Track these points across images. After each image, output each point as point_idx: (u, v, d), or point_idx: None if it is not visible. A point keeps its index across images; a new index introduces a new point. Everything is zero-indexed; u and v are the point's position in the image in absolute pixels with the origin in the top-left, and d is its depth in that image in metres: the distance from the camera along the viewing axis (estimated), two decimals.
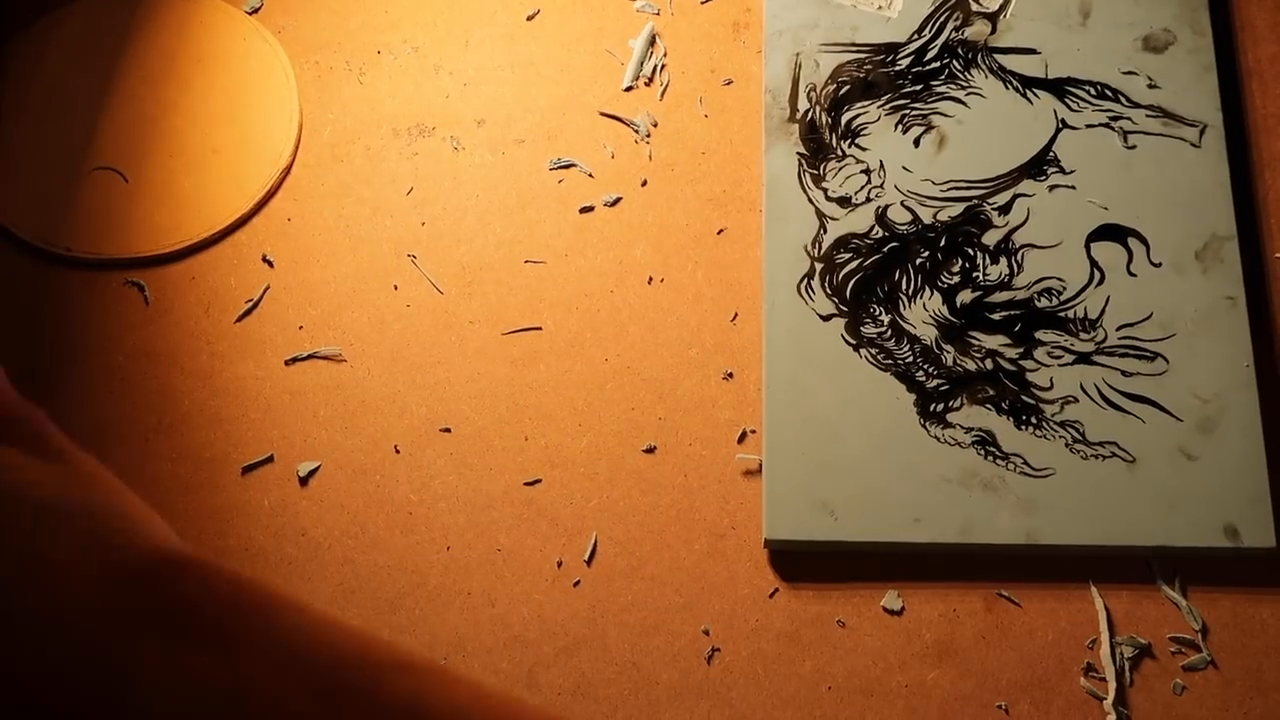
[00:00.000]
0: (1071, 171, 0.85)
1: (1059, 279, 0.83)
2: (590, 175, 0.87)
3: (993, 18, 0.89)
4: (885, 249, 0.83)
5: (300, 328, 0.83)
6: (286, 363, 0.82)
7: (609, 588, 0.77)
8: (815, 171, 0.85)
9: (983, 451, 0.78)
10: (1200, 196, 0.84)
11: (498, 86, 0.90)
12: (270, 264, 0.85)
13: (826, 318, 0.81)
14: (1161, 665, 0.75)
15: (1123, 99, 0.87)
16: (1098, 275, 0.83)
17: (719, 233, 0.85)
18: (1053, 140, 0.86)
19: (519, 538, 0.78)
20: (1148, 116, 0.87)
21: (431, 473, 0.80)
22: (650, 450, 0.80)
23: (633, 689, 0.75)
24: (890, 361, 0.80)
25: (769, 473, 0.78)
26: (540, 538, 0.78)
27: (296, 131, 0.88)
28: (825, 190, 0.84)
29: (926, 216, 0.84)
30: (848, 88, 0.87)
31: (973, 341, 0.81)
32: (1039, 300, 0.82)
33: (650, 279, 0.84)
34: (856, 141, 0.85)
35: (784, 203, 0.84)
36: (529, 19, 0.92)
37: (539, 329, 0.83)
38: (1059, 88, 0.88)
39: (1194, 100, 0.87)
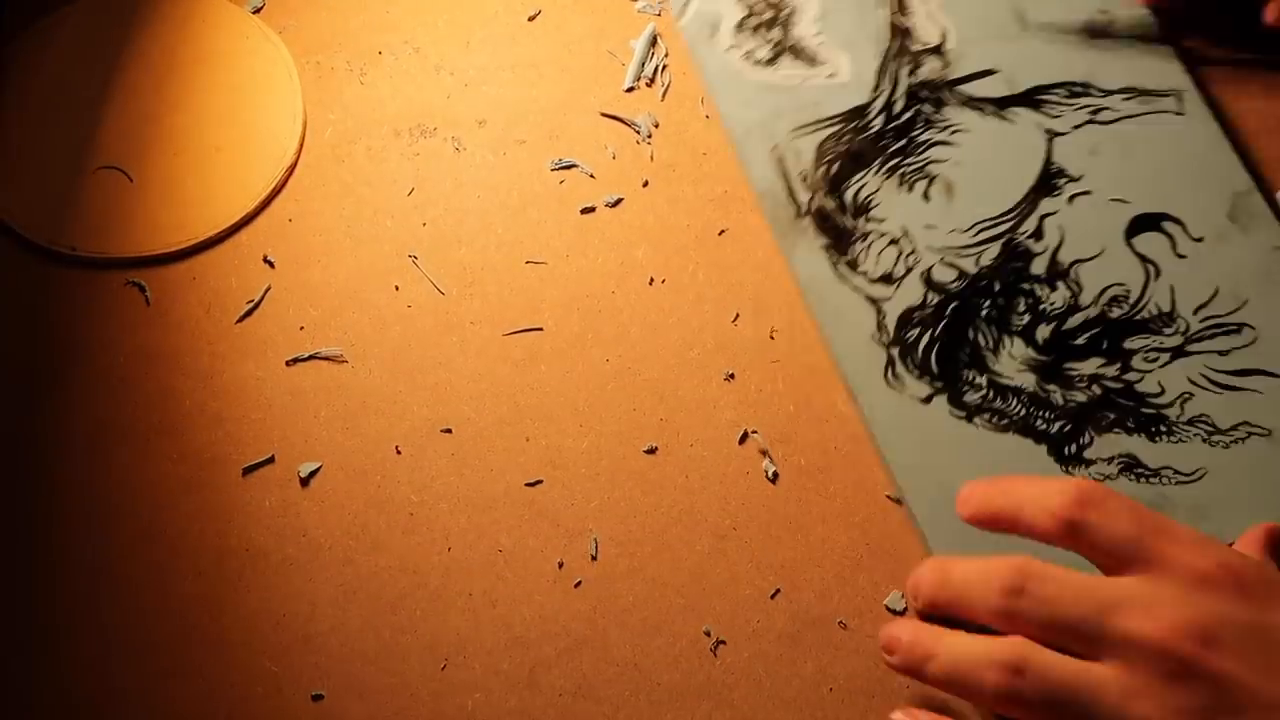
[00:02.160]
0: (1080, 176, 0.85)
1: (1119, 284, 0.82)
2: (591, 176, 0.87)
3: (938, 52, 0.88)
4: (948, 311, 0.81)
5: (301, 328, 0.83)
6: (288, 363, 0.82)
7: (610, 589, 0.77)
8: (847, 259, 0.82)
9: (1133, 475, 0.77)
10: (1205, 160, 0.84)
11: (499, 87, 0.90)
12: (271, 264, 0.85)
13: (927, 399, 0.79)
14: None
15: (1094, 90, 0.87)
16: (1151, 268, 0.82)
17: (720, 233, 0.85)
18: (1049, 152, 0.85)
19: (520, 539, 0.78)
20: (1124, 100, 0.86)
21: (433, 473, 0.80)
22: (651, 451, 0.80)
23: (634, 690, 0.75)
24: (1006, 420, 0.78)
25: None
26: (541, 539, 0.78)
27: (301, 130, 0.88)
28: (865, 274, 0.82)
29: (970, 267, 0.82)
30: (837, 165, 0.85)
31: (1071, 373, 0.80)
32: (1111, 311, 0.81)
33: (651, 280, 0.84)
34: (870, 215, 0.83)
35: (832, 301, 0.81)
36: (530, 19, 0.92)
37: (540, 330, 0.83)
38: (1031, 100, 0.87)
39: (1158, 70, 0.87)
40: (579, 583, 0.77)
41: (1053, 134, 0.86)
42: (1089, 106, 0.86)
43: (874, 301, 0.81)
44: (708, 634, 0.76)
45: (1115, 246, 0.83)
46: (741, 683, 0.75)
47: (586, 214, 0.86)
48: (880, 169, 0.85)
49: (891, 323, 0.81)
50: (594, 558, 0.78)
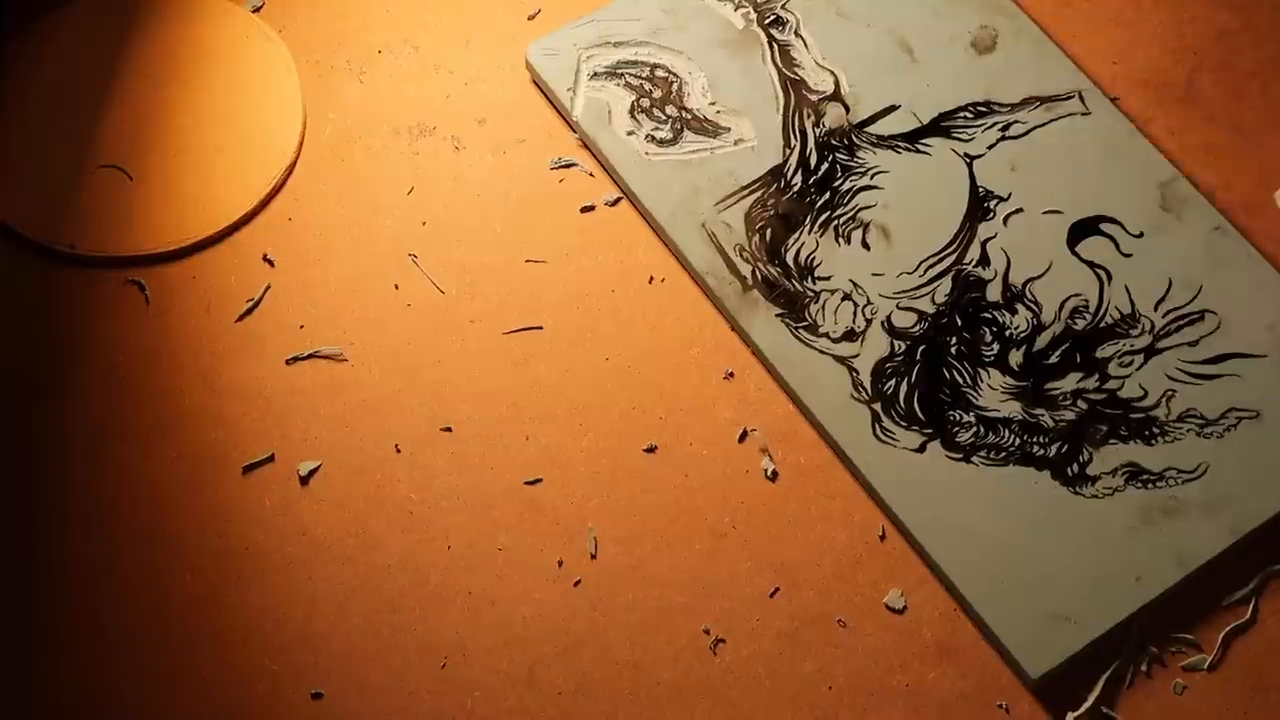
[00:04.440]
0: (1009, 195, 0.84)
1: (1076, 294, 0.82)
2: (591, 175, 0.87)
3: (838, 98, 0.87)
4: (919, 356, 0.80)
5: (301, 327, 0.83)
6: (287, 362, 0.82)
7: (610, 587, 0.77)
8: (805, 323, 0.81)
9: (1139, 483, 0.77)
10: (1122, 154, 0.85)
11: (499, 86, 0.90)
12: (271, 263, 0.85)
13: (921, 448, 0.78)
14: (1162, 664, 0.75)
15: (996, 107, 0.86)
16: (1102, 273, 0.82)
17: None
18: (973, 177, 0.85)
19: (520, 537, 0.78)
20: (1030, 110, 0.86)
21: (432, 472, 0.80)
22: (651, 450, 0.80)
23: (633, 689, 0.75)
24: (1003, 453, 0.78)
25: (992, 621, 0.74)
26: (541, 537, 0.78)
27: (300, 130, 0.88)
28: (826, 335, 0.81)
29: (927, 306, 0.81)
30: (770, 230, 0.83)
31: (1054, 393, 0.79)
32: (1075, 323, 0.81)
33: (651, 278, 0.84)
34: (816, 275, 0.82)
35: (800, 368, 0.80)
36: (530, 19, 0.92)
37: (540, 328, 0.83)
38: (939, 127, 0.86)
39: (1052, 74, 0.87)
40: (578, 581, 0.77)
41: (970, 158, 0.85)
42: (997, 124, 0.86)
43: (843, 361, 0.80)
44: (707, 632, 0.76)
45: (1062, 258, 0.83)
46: (741, 681, 0.75)
47: (586, 212, 0.86)
48: (813, 227, 0.83)
49: (867, 379, 0.80)
50: (593, 556, 0.78)
